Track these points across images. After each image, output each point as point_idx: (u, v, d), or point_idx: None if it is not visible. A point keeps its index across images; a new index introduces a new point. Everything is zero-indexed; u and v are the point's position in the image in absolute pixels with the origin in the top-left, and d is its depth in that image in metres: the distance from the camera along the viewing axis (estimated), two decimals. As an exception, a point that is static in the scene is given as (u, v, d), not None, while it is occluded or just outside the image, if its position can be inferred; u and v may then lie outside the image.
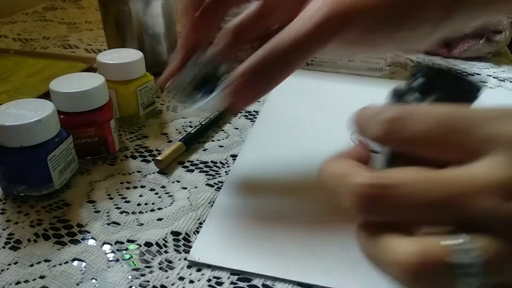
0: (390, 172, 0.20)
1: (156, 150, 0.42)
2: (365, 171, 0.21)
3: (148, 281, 0.29)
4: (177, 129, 0.46)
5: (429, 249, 0.18)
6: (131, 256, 0.30)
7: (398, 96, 0.26)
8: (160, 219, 0.34)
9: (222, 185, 0.37)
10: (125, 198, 0.36)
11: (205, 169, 0.40)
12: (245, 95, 0.30)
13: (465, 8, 0.26)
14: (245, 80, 0.30)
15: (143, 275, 0.29)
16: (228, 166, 0.40)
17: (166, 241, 0.32)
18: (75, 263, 0.30)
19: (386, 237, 0.20)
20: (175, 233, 0.32)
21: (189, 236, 0.32)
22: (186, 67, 0.34)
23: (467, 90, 0.24)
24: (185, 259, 0.30)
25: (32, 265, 0.30)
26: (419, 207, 0.19)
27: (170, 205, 0.35)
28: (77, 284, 0.28)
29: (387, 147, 0.23)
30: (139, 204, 0.35)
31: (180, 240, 0.32)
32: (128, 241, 0.32)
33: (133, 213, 0.34)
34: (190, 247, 0.31)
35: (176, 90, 0.32)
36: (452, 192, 0.19)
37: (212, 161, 0.41)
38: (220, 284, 0.28)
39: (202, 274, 0.29)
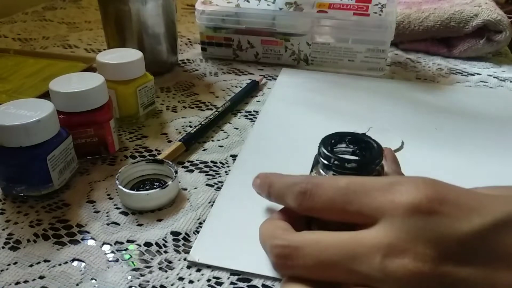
0: (297, 234, 0.24)
1: (156, 150, 0.42)
2: (282, 233, 0.25)
3: (148, 281, 0.28)
4: (177, 129, 0.46)
5: None
6: (131, 256, 0.30)
7: (316, 162, 0.29)
8: (160, 220, 0.34)
9: (222, 185, 0.37)
10: (125, 198, 0.36)
11: (205, 169, 0.40)
12: None
13: None
14: None
15: (142, 275, 0.29)
16: (228, 166, 0.40)
17: (165, 241, 0.32)
18: (75, 263, 0.30)
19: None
20: (175, 233, 0.32)
21: (189, 236, 0.32)
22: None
23: (368, 159, 0.28)
24: (184, 259, 0.30)
25: (31, 265, 0.30)
26: (315, 265, 0.23)
27: (170, 206, 0.35)
28: (77, 285, 0.28)
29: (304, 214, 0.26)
30: (138, 204, 0.35)
31: (179, 240, 0.32)
32: (128, 241, 0.32)
33: (132, 213, 0.34)
34: (190, 247, 0.31)
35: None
36: (343, 252, 0.22)
37: (212, 161, 0.41)
38: (220, 284, 0.28)
39: (202, 274, 0.29)
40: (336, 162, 0.26)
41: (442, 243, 0.21)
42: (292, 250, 0.23)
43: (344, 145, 0.29)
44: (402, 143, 0.43)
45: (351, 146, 0.29)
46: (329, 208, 0.24)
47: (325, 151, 0.27)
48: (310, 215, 0.26)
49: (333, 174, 0.27)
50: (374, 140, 0.28)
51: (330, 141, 0.28)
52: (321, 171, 0.28)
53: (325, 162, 0.27)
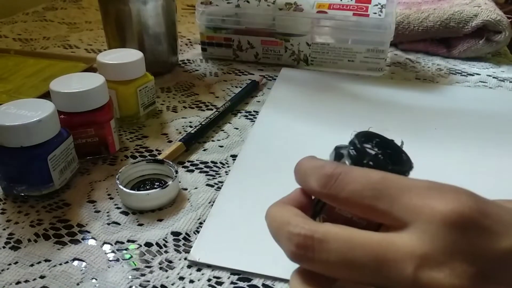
0: (321, 225, 0.22)
1: (156, 150, 0.42)
2: (302, 221, 0.22)
3: (148, 281, 0.29)
4: (177, 129, 0.46)
5: None
6: (131, 256, 0.30)
7: (338, 155, 0.27)
8: (160, 220, 0.34)
9: (222, 185, 0.37)
10: (125, 198, 0.36)
11: (205, 169, 0.40)
12: None
13: None
14: None
15: (143, 275, 0.29)
16: (228, 166, 0.40)
17: (166, 241, 0.32)
18: (75, 263, 0.30)
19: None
20: (175, 233, 0.32)
21: (189, 236, 0.32)
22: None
23: (398, 166, 0.26)
24: (185, 259, 0.30)
25: (32, 265, 0.30)
26: (339, 262, 0.21)
27: (170, 206, 0.35)
28: (77, 284, 0.28)
29: (322, 200, 0.24)
30: (139, 204, 0.35)
31: (180, 240, 0.32)
32: (128, 241, 0.32)
33: (133, 213, 0.34)
34: (190, 247, 0.31)
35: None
36: (372, 255, 0.20)
37: (212, 161, 0.41)
38: (220, 284, 0.28)
39: (202, 274, 0.29)
40: (370, 163, 0.24)
41: (482, 259, 0.19)
42: (316, 242, 0.21)
43: (369, 146, 0.28)
44: (402, 142, 0.43)
45: (376, 149, 0.27)
46: (356, 201, 0.22)
47: (368, 150, 0.25)
48: (329, 203, 0.24)
49: None
50: (403, 151, 0.27)
51: (362, 139, 0.26)
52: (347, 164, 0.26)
53: (358, 156, 0.25)
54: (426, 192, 0.21)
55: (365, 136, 0.27)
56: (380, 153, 0.26)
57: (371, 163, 0.25)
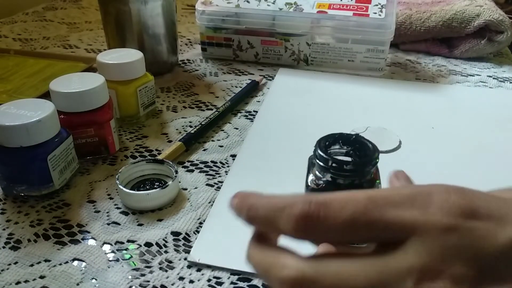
0: (310, 262, 0.21)
1: (156, 150, 0.42)
2: (293, 261, 0.21)
3: (148, 281, 0.29)
4: (177, 129, 0.46)
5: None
6: (131, 256, 0.30)
7: (311, 164, 0.29)
8: (160, 220, 0.34)
9: (222, 185, 0.37)
10: (125, 198, 0.36)
11: (205, 169, 0.40)
12: None
13: None
14: None
15: (143, 275, 0.29)
16: (228, 166, 0.40)
17: (166, 241, 0.32)
18: (75, 263, 0.30)
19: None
20: (175, 233, 0.32)
21: (189, 236, 0.32)
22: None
23: (367, 157, 0.27)
24: (185, 259, 0.30)
25: (32, 265, 0.30)
26: None
27: (170, 206, 0.35)
28: (77, 284, 0.28)
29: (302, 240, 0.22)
30: (139, 204, 0.35)
31: (180, 240, 0.32)
32: (128, 241, 0.32)
33: (133, 213, 0.34)
34: (190, 247, 0.31)
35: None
36: (368, 284, 0.19)
37: (212, 161, 0.41)
38: (220, 284, 0.28)
39: (202, 274, 0.29)
40: (334, 165, 0.26)
41: (480, 259, 0.19)
42: (309, 283, 0.20)
43: (338, 146, 0.29)
44: (400, 142, 0.43)
45: (345, 147, 0.29)
46: (348, 231, 0.20)
47: (322, 154, 0.27)
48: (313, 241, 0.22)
49: (331, 177, 0.27)
50: (368, 140, 0.28)
51: (325, 143, 0.28)
52: (317, 173, 0.27)
53: (323, 164, 0.27)
54: (415, 199, 0.20)
55: (328, 139, 0.28)
56: (349, 150, 0.28)
57: (334, 164, 0.26)
